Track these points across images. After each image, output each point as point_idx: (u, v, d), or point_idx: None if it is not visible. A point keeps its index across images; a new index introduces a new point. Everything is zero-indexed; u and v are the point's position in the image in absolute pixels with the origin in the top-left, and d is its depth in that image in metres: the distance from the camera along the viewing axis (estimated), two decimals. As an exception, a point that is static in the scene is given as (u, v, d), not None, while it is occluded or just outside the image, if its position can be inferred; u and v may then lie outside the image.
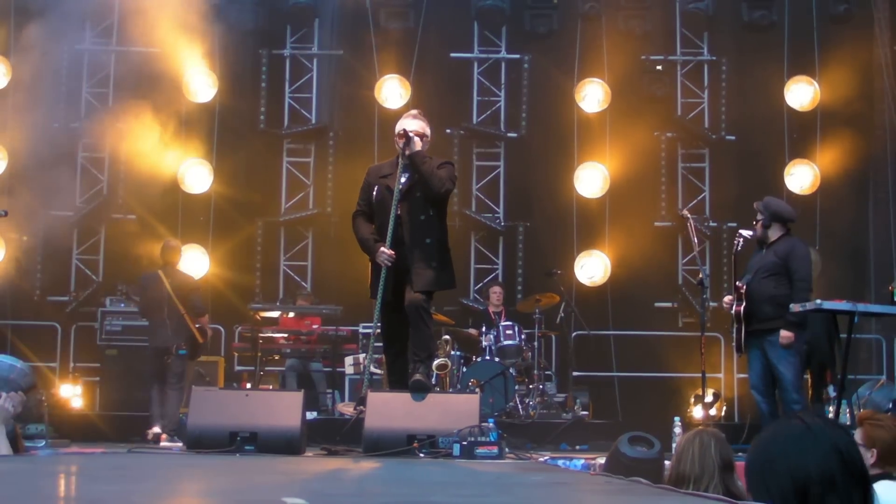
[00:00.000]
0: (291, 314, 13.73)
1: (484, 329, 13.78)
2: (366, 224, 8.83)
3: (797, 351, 9.47)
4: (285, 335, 13.41)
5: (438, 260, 8.61)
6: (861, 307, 9.07)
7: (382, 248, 8.49)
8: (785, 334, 9.28)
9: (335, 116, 16.64)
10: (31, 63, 15.12)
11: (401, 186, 8.55)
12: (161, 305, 12.32)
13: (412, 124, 8.77)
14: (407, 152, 8.60)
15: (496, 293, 14.35)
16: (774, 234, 9.67)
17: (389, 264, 8.49)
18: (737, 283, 9.70)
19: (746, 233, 9.75)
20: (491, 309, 14.20)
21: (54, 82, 15.60)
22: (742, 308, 9.57)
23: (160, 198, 15.72)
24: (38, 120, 15.27)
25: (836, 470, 3.19)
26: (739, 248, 9.74)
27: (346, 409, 11.27)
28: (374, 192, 8.75)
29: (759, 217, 9.71)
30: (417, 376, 8.30)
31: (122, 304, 14.09)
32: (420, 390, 8.20)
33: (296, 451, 7.96)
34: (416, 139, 8.63)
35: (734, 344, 9.76)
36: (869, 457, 5.80)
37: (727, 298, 9.74)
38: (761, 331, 9.51)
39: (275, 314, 13.78)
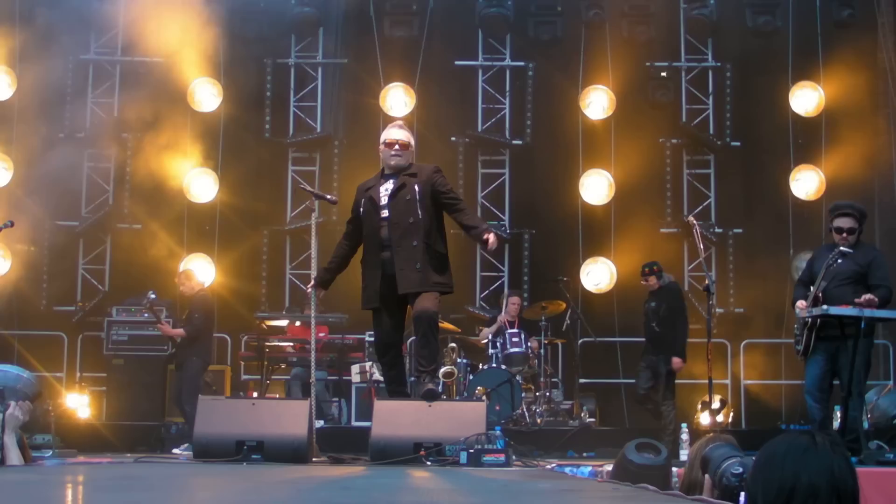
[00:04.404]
0: (298, 323, 13.73)
1: (490, 337, 13.79)
2: (339, 247, 9.23)
3: (868, 362, 9.41)
4: (291, 344, 13.41)
5: (423, 262, 8.60)
6: (868, 312, 9.03)
7: (311, 284, 9.09)
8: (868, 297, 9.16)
9: (340, 125, 16.63)
10: (37, 73, 15.17)
11: (387, 192, 8.72)
12: (214, 322, 13.13)
13: (399, 134, 8.92)
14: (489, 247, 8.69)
15: (515, 304, 14.26)
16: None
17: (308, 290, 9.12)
18: (811, 288, 9.56)
19: (847, 250, 9.55)
20: (506, 318, 14.13)
21: (59, 92, 15.64)
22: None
23: (166, 207, 15.75)
24: (43, 130, 15.32)
25: (823, 487, 3.32)
26: (833, 265, 9.52)
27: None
28: (361, 207, 8.88)
29: (858, 226, 9.59)
30: (430, 385, 8.33)
31: (129, 313, 14.08)
32: (433, 399, 8.21)
33: (303, 459, 7.95)
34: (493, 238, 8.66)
35: (799, 347, 9.62)
36: None
37: (802, 303, 9.59)
38: (836, 336, 9.39)
39: (280, 323, 13.80)
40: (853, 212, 9.67)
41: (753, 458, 3.63)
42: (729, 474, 4.54)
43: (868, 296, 9.16)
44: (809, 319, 9.38)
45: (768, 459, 3.46)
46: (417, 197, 8.66)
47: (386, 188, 8.76)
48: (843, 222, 9.61)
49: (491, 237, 8.51)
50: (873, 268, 9.45)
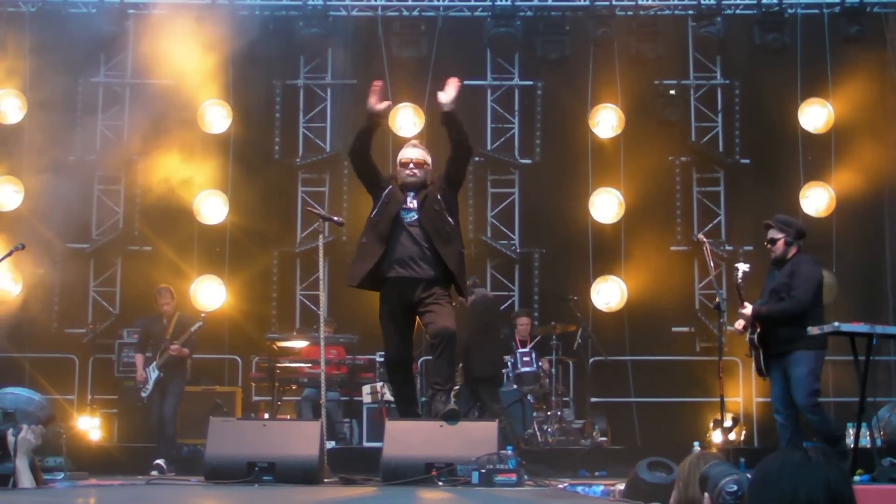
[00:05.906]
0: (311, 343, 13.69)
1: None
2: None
3: (813, 372, 9.38)
4: (308, 365, 13.35)
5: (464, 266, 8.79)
6: (879, 329, 8.97)
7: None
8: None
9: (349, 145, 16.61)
10: (47, 96, 15.21)
11: (413, 205, 8.61)
12: None
13: (413, 153, 8.83)
14: (446, 109, 8.61)
15: (524, 325, 14.25)
16: (791, 252, 9.61)
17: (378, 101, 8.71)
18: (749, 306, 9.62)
19: (744, 267, 9.67)
20: (518, 338, 14.11)
21: (69, 115, 15.69)
22: (758, 333, 9.52)
23: (176, 229, 15.79)
24: (53, 153, 15.37)
25: (821, 501, 3.32)
26: (740, 281, 9.63)
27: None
28: (386, 191, 8.72)
29: (780, 235, 9.61)
30: (452, 406, 8.31)
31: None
32: (455, 418, 8.18)
33: (314, 480, 7.93)
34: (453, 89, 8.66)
35: (756, 368, 9.67)
36: None
37: (739, 324, 9.67)
38: (781, 353, 9.42)
39: (291, 344, 13.75)
40: (773, 223, 9.70)
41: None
42: (725, 493, 4.52)
43: (740, 321, 9.39)
44: (755, 340, 9.50)
45: (764, 478, 3.47)
46: (443, 206, 8.60)
47: (411, 197, 8.65)
48: (767, 234, 9.72)
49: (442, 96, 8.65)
50: (793, 277, 9.47)
